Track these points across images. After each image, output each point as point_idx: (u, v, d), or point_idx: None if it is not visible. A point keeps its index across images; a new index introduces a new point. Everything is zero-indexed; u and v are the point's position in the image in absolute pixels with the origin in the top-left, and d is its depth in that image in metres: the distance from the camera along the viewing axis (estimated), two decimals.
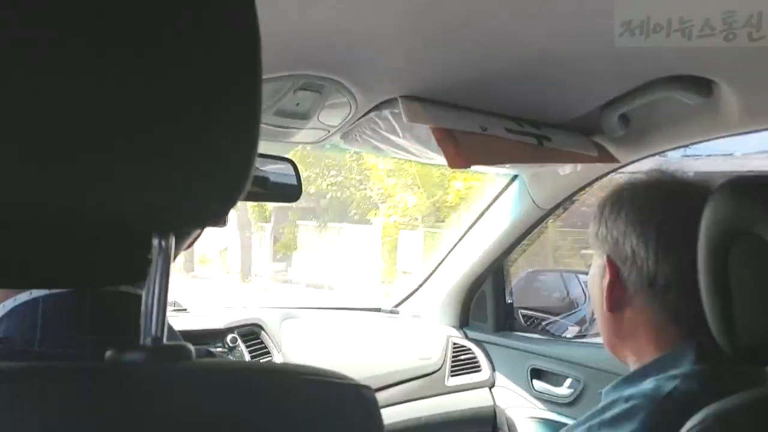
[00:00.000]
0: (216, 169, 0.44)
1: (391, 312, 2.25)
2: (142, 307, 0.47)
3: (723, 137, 1.40)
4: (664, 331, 0.96)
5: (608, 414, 0.89)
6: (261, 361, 1.67)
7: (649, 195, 1.00)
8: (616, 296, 0.99)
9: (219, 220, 0.47)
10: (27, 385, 0.42)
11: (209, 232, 0.62)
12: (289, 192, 1.43)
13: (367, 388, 0.55)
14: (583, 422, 0.92)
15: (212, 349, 1.57)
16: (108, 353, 0.46)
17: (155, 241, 0.46)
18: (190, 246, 0.68)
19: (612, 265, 0.99)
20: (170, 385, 0.45)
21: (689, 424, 0.74)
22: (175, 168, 0.43)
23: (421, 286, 2.24)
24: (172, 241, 0.47)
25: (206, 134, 0.43)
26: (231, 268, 12.32)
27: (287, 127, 1.25)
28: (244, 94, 0.44)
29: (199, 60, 0.42)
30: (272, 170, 1.41)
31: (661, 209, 0.97)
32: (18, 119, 0.37)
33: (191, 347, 0.48)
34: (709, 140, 1.47)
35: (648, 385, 0.92)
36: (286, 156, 1.44)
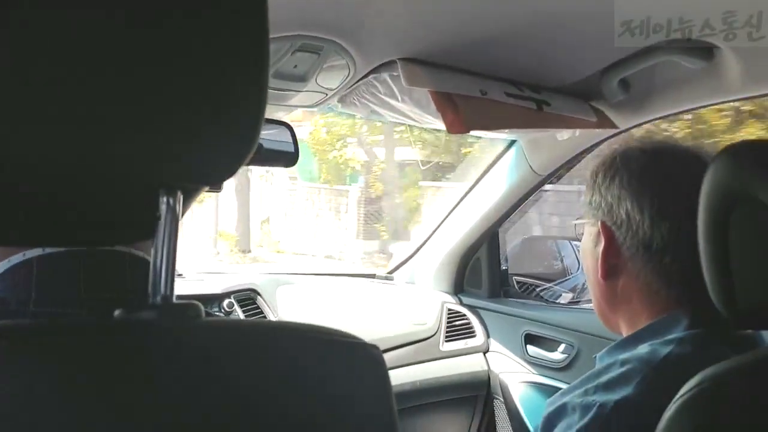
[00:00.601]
0: (225, 126, 0.44)
1: (386, 278, 2.26)
2: (151, 266, 0.46)
3: (724, 102, 1.39)
4: (658, 296, 0.96)
5: (604, 378, 0.90)
6: None
7: (642, 160, 1.00)
8: (611, 263, 0.99)
9: (226, 178, 0.47)
10: (31, 342, 0.41)
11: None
12: (286, 157, 1.42)
13: (375, 347, 0.55)
14: (578, 386, 0.92)
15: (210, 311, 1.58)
16: (117, 312, 0.46)
17: (163, 199, 0.46)
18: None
19: (607, 230, 0.99)
20: (183, 342, 0.45)
21: (685, 387, 0.74)
22: (185, 123, 0.43)
23: (416, 252, 2.24)
24: (180, 199, 0.46)
25: (216, 92, 0.43)
26: (283, 245, 9.85)
27: (285, 90, 1.23)
28: (252, 55, 0.44)
29: (209, 19, 0.42)
30: (268, 135, 1.40)
31: (656, 173, 0.97)
32: (24, 69, 0.37)
33: (201, 306, 0.48)
34: (709, 106, 1.46)
35: (644, 349, 0.92)
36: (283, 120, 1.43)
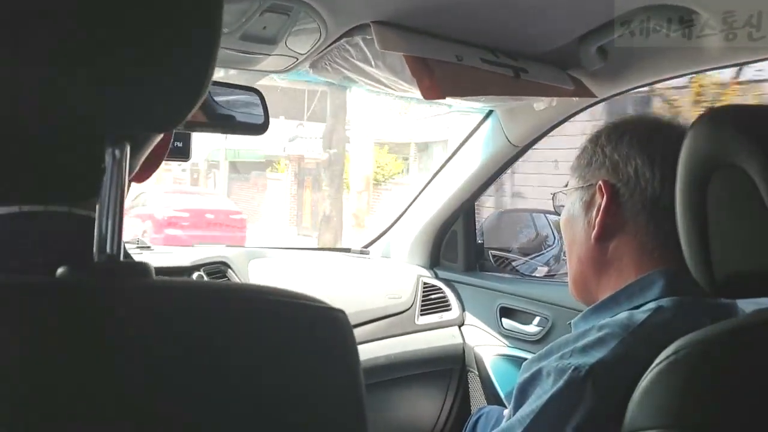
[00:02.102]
0: (173, 69, 0.41)
1: (361, 252, 2.24)
2: (96, 223, 0.43)
3: (703, 71, 1.38)
4: (650, 256, 0.96)
5: (581, 342, 0.89)
6: None
7: (651, 123, 1.02)
8: (609, 222, 0.98)
9: (175, 125, 0.43)
10: None
11: None
12: (256, 126, 1.38)
13: (340, 311, 0.53)
14: (554, 350, 0.92)
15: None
16: (59, 270, 0.43)
17: (109, 149, 0.42)
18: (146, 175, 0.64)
19: (610, 188, 0.98)
20: (124, 303, 0.42)
21: (663, 354, 0.74)
22: (130, 66, 0.40)
23: (391, 226, 2.23)
24: (127, 149, 0.43)
25: (163, 33, 0.40)
26: None
27: (253, 53, 1.19)
28: (204, 1, 0.41)
29: None
30: (237, 101, 1.36)
31: (666, 135, 0.98)
32: None
33: (151, 265, 0.45)
34: (689, 74, 1.45)
35: (622, 314, 0.92)
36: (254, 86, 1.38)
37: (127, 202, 0.46)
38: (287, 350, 0.49)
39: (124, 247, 0.55)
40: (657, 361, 0.73)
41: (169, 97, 0.42)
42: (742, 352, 0.73)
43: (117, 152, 0.42)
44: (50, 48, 0.37)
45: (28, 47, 0.36)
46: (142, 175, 0.64)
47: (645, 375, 0.74)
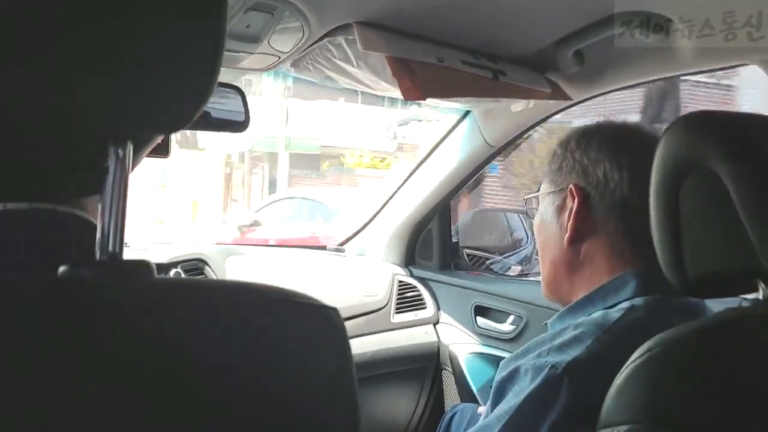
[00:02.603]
0: (178, 71, 0.42)
1: (336, 250, 2.24)
2: (99, 222, 0.43)
3: (678, 75, 1.41)
4: (621, 256, 0.99)
5: (557, 341, 0.91)
6: None
7: (619, 130, 1.05)
8: (581, 225, 1.00)
9: (179, 127, 0.44)
10: None
11: None
12: (237, 122, 1.38)
13: (333, 308, 0.54)
14: (532, 348, 0.93)
15: None
16: (62, 268, 0.43)
17: (111, 149, 0.43)
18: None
19: (580, 192, 1.00)
20: (128, 300, 0.42)
21: (636, 354, 0.76)
22: (135, 67, 0.41)
23: (367, 224, 2.23)
24: (130, 150, 0.43)
25: (170, 35, 0.41)
26: None
27: (236, 51, 1.19)
28: (209, 2, 0.42)
29: None
30: (218, 99, 1.35)
31: (633, 140, 1.01)
32: None
33: (153, 264, 0.45)
34: (664, 78, 1.48)
35: (596, 314, 0.94)
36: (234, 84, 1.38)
37: None
38: (283, 347, 0.49)
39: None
40: (631, 359, 0.75)
41: (175, 98, 0.42)
42: (711, 350, 0.75)
43: (120, 151, 0.43)
44: (55, 47, 0.37)
45: (33, 47, 0.36)
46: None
47: (620, 373, 0.76)
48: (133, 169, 0.48)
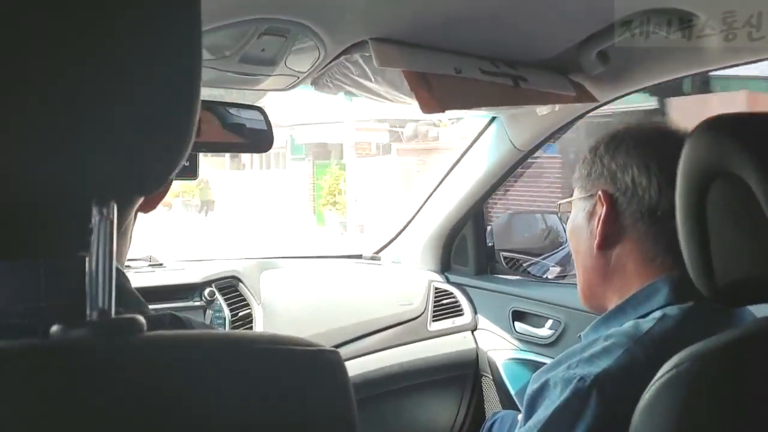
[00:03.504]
0: (156, 133, 0.42)
1: (372, 259, 2.24)
2: (87, 279, 0.44)
3: (703, 72, 1.37)
4: (653, 263, 0.97)
5: (587, 352, 0.90)
6: (240, 314, 1.66)
7: (648, 133, 1.02)
8: (609, 231, 0.99)
9: (159, 186, 0.44)
10: None
11: None
12: (261, 141, 1.39)
13: (335, 352, 0.53)
14: (562, 361, 0.92)
15: (185, 304, 1.55)
16: (53, 329, 0.44)
17: (95, 209, 0.43)
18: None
19: (609, 198, 0.99)
20: (114, 362, 0.43)
21: (665, 367, 0.74)
22: (112, 132, 0.41)
23: (401, 231, 2.23)
24: (114, 208, 0.44)
25: (144, 98, 0.41)
26: None
27: (253, 75, 1.20)
28: (184, 57, 0.42)
29: (135, 18, 0.40)
30: (243, 120, 1.37)
31: (662, 144, 0.98)
32: None
33: (142, 319, 0.45)
34: (689, 75, 1.44)
35: (627, 324, 0.93)
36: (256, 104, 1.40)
37: None
38: (281, 398, 0.49)
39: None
40: (659, 374, 0.73)
41: (153, 159, 0.42)
42: (742, 364, 0.72)
43: (104, 210, 0.43)
44: (33, 111, 0.38)
45: (16, 114, 0.37)
46: (151, 203, 0.65)
47: (648, 388, 0.74)
48: (124, 222, 0.49)
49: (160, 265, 1.71)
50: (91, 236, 0.43)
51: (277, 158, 18.68)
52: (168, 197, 0.69)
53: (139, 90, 0.40)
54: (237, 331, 1.58)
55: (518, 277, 2.13)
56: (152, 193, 0.48)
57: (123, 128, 0.41)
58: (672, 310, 0.92)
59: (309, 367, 0.51)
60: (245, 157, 18.61)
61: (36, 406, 0.40)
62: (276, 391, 0.49)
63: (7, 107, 0.37)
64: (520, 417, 1.34)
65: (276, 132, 1.38)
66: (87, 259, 0.44)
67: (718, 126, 0.78)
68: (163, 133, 0.42)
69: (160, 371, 0.44)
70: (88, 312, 0.44)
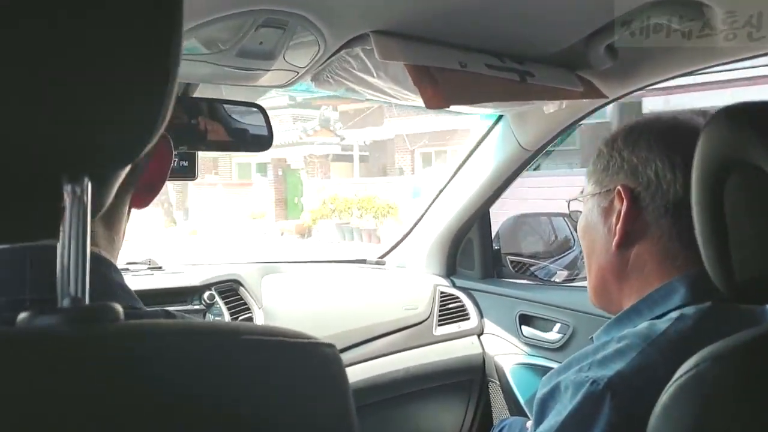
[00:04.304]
0: (126, 103, 0.39)
1: (377, 263, 2.21)
2: (58, 264, 0.40)
3: (717, 65, 1.33)
4: (674, 261, 0.93)
5: (600, 354, 0.87)
6: (240, 318, 1.63)
7: (670, 124, 0.98)
8: (630, 228, 0.95)
9: (135, 157, 0.41)
10: None
11: None
12: (260, 140, 1.37)
13: (329, 345, 0.49)
14: (573, 363, 0.89)
15: (184, 308, 1.52)
16: (21, 316, 0.40)
17: (67, 187, 0.40)
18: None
19: (630, 193, 0.94)
20: (85, 351, 0.39)
21: (684, 367, 0.70)
22: (79, 101, 0.38)
23: (406, 235, 2.21)
24: (87, 186, 0.40)
25: (114, 66, 0.38)
26: None
27: (252, 69, 1.17)
28: (159, 23, 0.39)
29: None
30: (242, 118, 1.35)
31: (685, 136, 0.91)
32: None
33: (118, 307, 0.42)
34: (702, 70, 1.41)
35: (642, 325, 0.89)
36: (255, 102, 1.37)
37: None
38: (272, 390, 0.46)
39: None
40: (676, 375, 0.70)
41: (126, 129, 0.39)
42: (763, 364, 0.69)
43: (77, 189, 0.40)
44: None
45: None
46: (144, 199, 0.62)
47: (666, 390, 0.71)
48: (101, 205, 0.45)
49: (159, 268, 1.68)
50: (63, 217, 0.40)
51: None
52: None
53: (111, 57, 0.37)
54: (227, 321, 1.55)
55: (525, 281, 2.09)
56: (126, 165, 0.44)
57: (93, 91, 0.37)
58: (690, 310, 0.88)
59: (303, 358, 0.48)
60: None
61: None
62: (267, 382, 0.45)
63: None
64: (528, 424, 1.31)
65: None
66: (58, 242, 0.40)
67: (735, 115, 0.74)
68: (138, 98, 0.38)
69: (138, 361, 0.40)
70: (59, 300, 0.40)
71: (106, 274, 0.55)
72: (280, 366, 0.46)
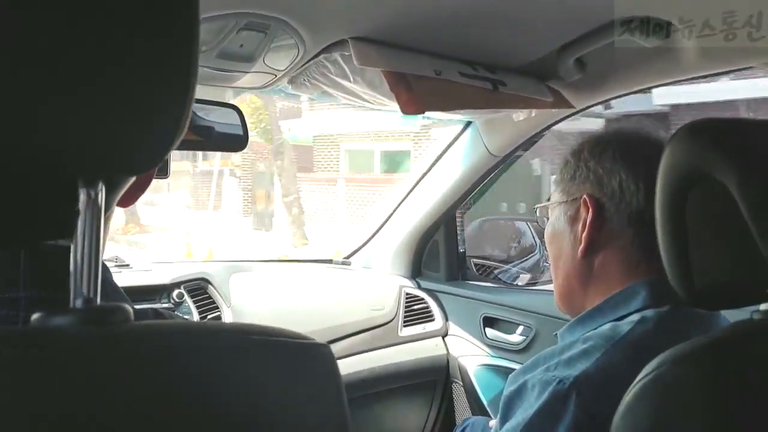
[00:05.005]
0: (148, 113, 0.40)
1: (343, 263, 2.22)
2: (71, 265, 0.42)
3: (681, 81, 1.38)
4: (637, 269, 0.97)
5: (566, 354, 0.90)
6: (209, 317, 1.63)
7: (634, 137, 1.02)
8: (596, 236, 0.98)
9: (152, 166, 0.42)
10: None
11: None
12: (235, 141, 1.37)
13: (326, 346, 0.51)
14: (540, 362, 0.92)
15: (159, 306, 1.51)
16: (34, 316, 0.41)
17: (82, 191, 0.41)
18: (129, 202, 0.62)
19: (595, 202, 0.98)
20: (101, 350, 0.41)
21: (647, 369, 0.73)
22: (103, 106, 0.39)
23: (372, 236, 2.21)
24: (102, 190, 0.42)
25: (138, 77, 0.39)
26: None
27: (231, 71, 1.18)
28: (180, 36, 0.40)
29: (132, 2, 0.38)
30: (216, 118, 1.35)
31: (649, 148, 0.97)
32: None
33: (129, 308, 0.43)
34: (666, 84, 1.46)
35: (605, 326, 0.93)
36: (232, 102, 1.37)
37: None
38: (273, 390, 0.47)
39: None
40: (640, 376, 0.73)
41: (147, 137, 0.40)
42: (722, 367, 0.73)
43: (92, 192, 0.41)
44: (20, 86, 0.36)
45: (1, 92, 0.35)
46: (129, 198, 0.62)
47: (629, 390, 0.74)
48: (109, 207, 0.47)
49: (127, 265, 1.67)
50: (78, 220, 0.41)
51: None
52: None
53: (134, 65, 0.38)
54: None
55: (489, 284, 2.13)
56: (142, 173, 0.45)
57: (114, 102, 0.39)
58: (650, 313, 0.92)
59: (301, 359, 0.50)
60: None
61: (15, 397, 0.37)
62: (271, 381, 0.47)
63: None
64: (491, 423, 1.33)
65: None
66: (72, 244, 0.41)
67: (699, 130, 0.78)
68: (158, 109, 0.40)
69: (149, 361, 0.42)
70: (71, 300, 0.41)
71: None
72: (284, 366, 0.48)
